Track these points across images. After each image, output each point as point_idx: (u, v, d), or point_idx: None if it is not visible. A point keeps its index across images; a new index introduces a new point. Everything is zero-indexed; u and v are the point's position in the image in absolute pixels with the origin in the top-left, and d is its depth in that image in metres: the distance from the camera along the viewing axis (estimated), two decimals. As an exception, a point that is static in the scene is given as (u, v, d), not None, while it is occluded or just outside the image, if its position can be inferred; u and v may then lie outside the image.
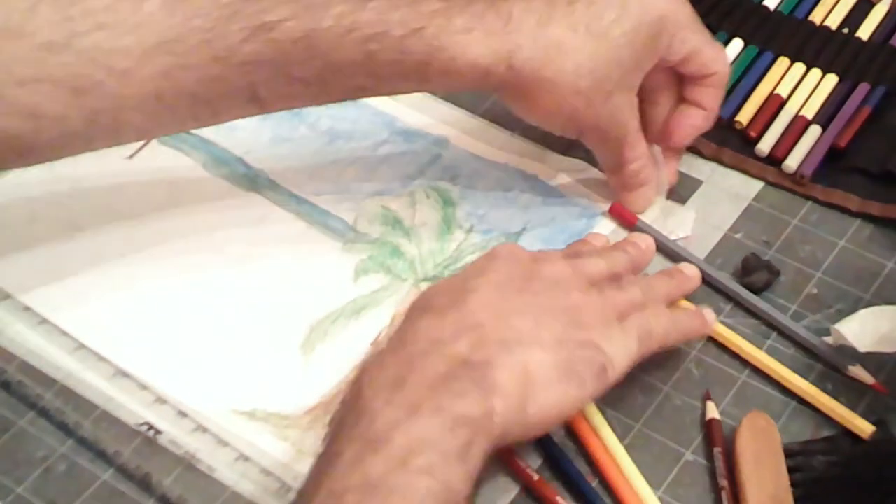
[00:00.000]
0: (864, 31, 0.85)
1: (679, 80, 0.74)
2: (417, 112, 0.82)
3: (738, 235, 0.75)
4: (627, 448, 0.65)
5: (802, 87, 0.82)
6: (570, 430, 0.66)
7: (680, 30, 0.71)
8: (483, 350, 0.59)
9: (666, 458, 0.65)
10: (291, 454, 0.65)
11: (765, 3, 0.87)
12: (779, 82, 0.82)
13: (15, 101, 0.62)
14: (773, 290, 0.72)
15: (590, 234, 0.73)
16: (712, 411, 0.66)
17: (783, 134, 0.79)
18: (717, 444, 0.64)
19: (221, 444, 0.66)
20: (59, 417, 0.67)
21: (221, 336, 0.70)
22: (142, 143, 0.80)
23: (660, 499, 0.63)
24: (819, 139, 0.79)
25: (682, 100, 0.75)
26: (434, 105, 0.82)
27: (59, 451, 0.66)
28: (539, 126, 0.74)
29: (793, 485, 0.62)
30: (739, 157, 0.79)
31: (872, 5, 0.87)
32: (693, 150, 0.79)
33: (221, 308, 0.72)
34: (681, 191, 0.77)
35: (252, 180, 0.78)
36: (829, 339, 0.68)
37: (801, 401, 0.67)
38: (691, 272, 0.70)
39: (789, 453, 0.63)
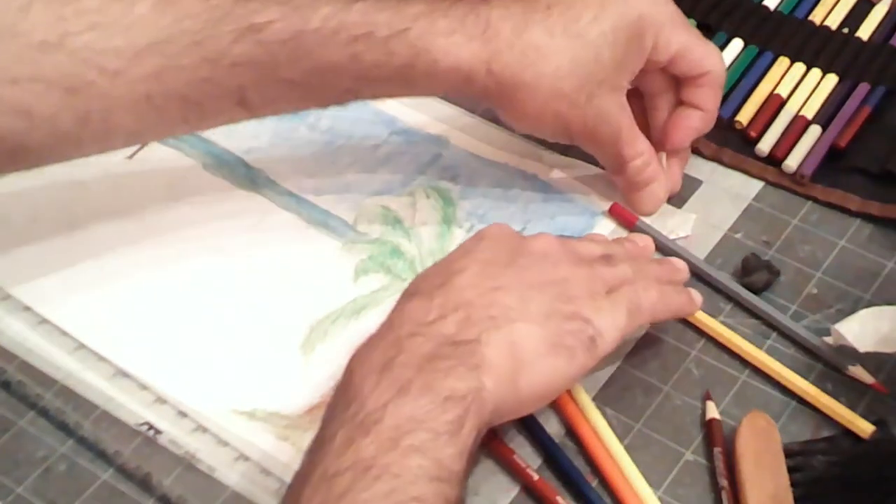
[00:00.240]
0: (864, 31, 0.85)
1: (676, 83, 0.74)
2: (417, 112, 0.82)
3: (738, 235, 0.75)
4: (627, 448, 0.65)
5: (802, 87, 0.82)
6: (570, 430, 0.66)
7: (663, 29, 0.71)
8: (470, 328, 0.59)
9: (666, 458, 0.65)
10: (291, 454, 0.65)
11: (765, 3, 0.87)
12: (779, 82, 0.82)
13: (7, 100, 0.62)
14: (773, 290, 0.72)
15: (589, 234, 0.74)
16: (712, 411, 0.66)
17: (783, 134, 0.79)
18: (717, 444, 0.64)
19: (221, 444, 0.66)
20: (59, 417, 0.67)
21: (221, 336, 0.70)
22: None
23: (660, 499, 0.63)
24: (819, 139, 0.79)
25: (680, 102, 0.75)
26: (434, 105, 0.82)
27: (59, 451, 0.66)
28: (530, 133, 0.75)
29: (793, 485, 0.62)
30: (739, 157, 0.79)
31: (872, 5, 0.87)
32: (693, 150, 0.79)
33: (221, 308, 0.72)
34: (681, 191, 0.77)
35: (252, 180, 0.78)
36: (829, 340, 0.68)
37: (801, 401, 0.67)
38: (680, 265, 0.70)
39: (789, 453, 0.63)
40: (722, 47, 0.84)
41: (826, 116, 0.80)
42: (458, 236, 0.75)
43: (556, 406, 0.67)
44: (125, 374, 0.69)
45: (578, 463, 0.64)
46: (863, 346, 0.66)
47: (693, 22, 0.86)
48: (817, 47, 0.84)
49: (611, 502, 0.63)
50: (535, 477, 0.63)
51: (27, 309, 0.72)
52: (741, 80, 0.83)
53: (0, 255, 0.74)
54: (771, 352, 0.69)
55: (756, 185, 0.78)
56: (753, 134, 0.79)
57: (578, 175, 0.78)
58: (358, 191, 0.78)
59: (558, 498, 0.62)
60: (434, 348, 0.59)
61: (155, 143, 0.80)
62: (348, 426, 0.56)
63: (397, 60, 0.67)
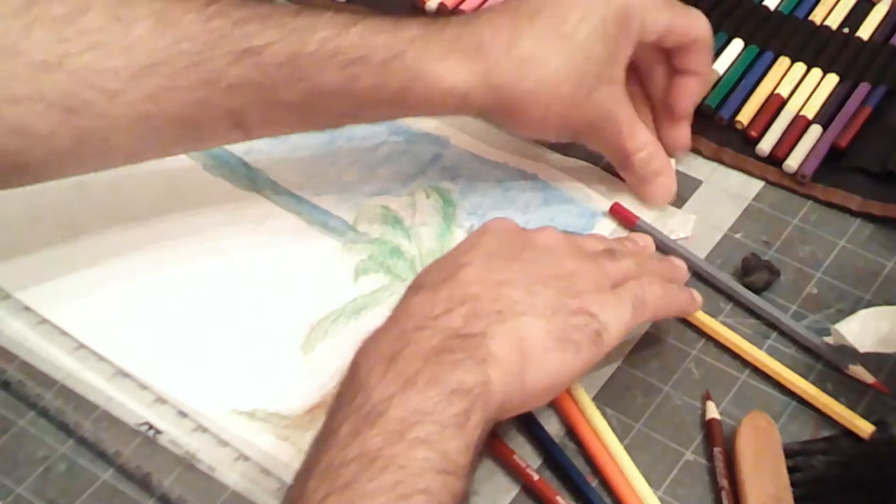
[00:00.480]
0: (865, 31, 0.85)
1: (667, 53, 0.75)
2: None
3: (738, 235, 0.75)
4: (627, 448, 0.65)
5: (803, 87, 0.82)
6: (570, 430, 0.66)
7: (647, 12, 0.72)
8: (477, 322, 0.59)
9: (666, 458, 0.65)
10: (291, 454, 0.65)
11: (765, 3, 0.87)
12: (779, 82, 0.82)
13: (6, 119, 0.63)
14: (773, 290, 0.72)
15: (589, 234, 0.74)
16: (712, 411, 0.66)
17: (784, 134, 0.79)
18: (717, 444, 0.64)
19: (221, 444, 0.66)
20: (59, 417, 0.67)
21: (221, 336, 0.70)
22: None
23: (660, 499, 0.63)
24: (820, 139, 0.79)
25: (675, 71, 0.76)
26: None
27: (59, 451, 0.66)
28: (534, 137, 0.76)
29: (793, 485, 0.62)
30: (740, 157, 0.79)
31: (873, 5, 0.87)
32: (693, 149, 0.79)
33: (221, 308, 0.72)
34: (681, 191, 0.77)
35: (252, 180, 0.78)
36: (829, 340, 0.68)
37: (801, 401, 0.67)
38: (680, 263, 0.70)
39: (789, 453, 0.63)
40: (722, 47, 0.84)
41: (827, 116, 0.80)
42: (458, 236, 0.75)
43: (556, 406, 0.67)
44: (125, 374, 0.69)
45: (578, 463, 0.64)
46: (863, 346, 0.66)
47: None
48: (818, 47, 0.84)
49: (611, 502, 0.63)
50: (535, 477, 0.63)
51: (27, 309, 0.72)
52: (741, 80, 0.83)
53: (0, 256, 0.74)
54: (771, 352, 0.69)
55: (756, 185, 0.78)
56: (754, 134, 0.79)
57: (579, 175, 0.78)
58: (358, 191, 0.78)
59: (558, 498, 0.62)
60: (441, 341, 0.59)
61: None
62: (354, 417, 0.56)
63: (394, 84, 0.68)
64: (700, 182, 0.78)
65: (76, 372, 0.69)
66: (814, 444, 0.64)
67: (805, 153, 0.78)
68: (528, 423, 0.66)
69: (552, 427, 0.66)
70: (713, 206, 0.76)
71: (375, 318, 0.70)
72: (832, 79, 0.82)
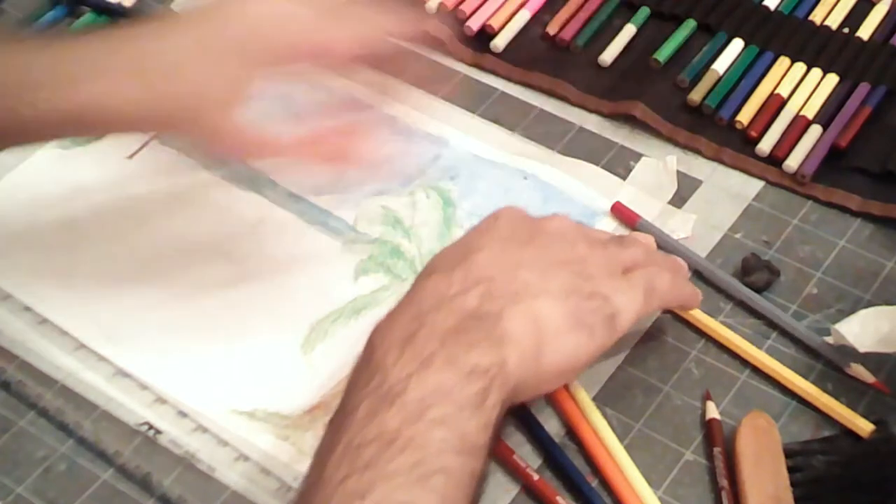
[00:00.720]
0: (865, 31, 0.85)
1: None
2: (417, 112, 0.82)
3: (738, 235, 0.75)
4: (627, 448, 0.65)
5: (803, 87, 0.82)
6: (570, 430, 0.66)
7: (263, 47, 0.68)
8: (492, 302, 0.60)
9: (666, 458, 0.65)
10: (291, 454, 0.65)
11: (765, 3, 0.87)
12: (779, 82, 0.82)
13: None
14: (774, 290, 0.72)
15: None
16: (712, 411, 0.66)
17: (784, 134, 0.79)
18: (717, 444, 0.64)
19: (221, 444, 0.66)
20: (59, 417, 0.67)
21: (221, 336, 0.71)
22: (142, 143, 0.80)
23: (660, 499, 0.63)
24: (820, 139, 0.79)
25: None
26: (434, 105, 0.82)
27: (59, 451, 0.66)
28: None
29: (793, 485, 0.62)
30: (740, 157, 0.79)
31: (873, 5, 0.87)
32: (693, 149, 0.79)
33: (221, 308, 0.72)
34: (681, 191, 0.77)
35: (252, 180, 0.78)
36: (829, 339, 0.68)
37: (801, 401, 0.67)
38: (681, 261, 0.70)
39: (789, 453, 0.63)
40: (722, 47, 0.84)
41: (827, 116, 0.80)
42: (458, 236, 0.74)
43: (556, 406, 0.67)
44: (125, 374, 0.69)
45: (578, 463, 0.64)
46: (863, 346, 0.66)
47: (693, 22, 0.86)
48: (818, 47, 0.84)
49: (611, 502, 0.63)
50: (535, 477, 0.63)
51: (27, 309, 0.72)
52: (741, 80, 0.82)
53: (0, 256, 0.74)
54: (771, 352, 0.69)
55: (756, 185, 0.78)
56: (754, 134, 0.79)
57: (579, 174, 0.78)
58: (358, 191, 0.78)
59: (558, 498, 0.62)
60: (456, 322, 0.59)
61: (155, 143, 0.80)
62: (372, 398, 0.56)
63: (53, 110, 0.65)
64: (700, 182, 0.78)
65: (76, 372, 0.69)
66: (814, 444, 0.64)
67: (805, 153, 0.78)
68: (528, 423, 0.66)
69: (552, 427, 0.66)
70: (713, 206, 0.76)
71: (375, 318, 0.70)
72: (832, 79, 0.82)
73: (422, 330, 0.58)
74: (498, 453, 0.64)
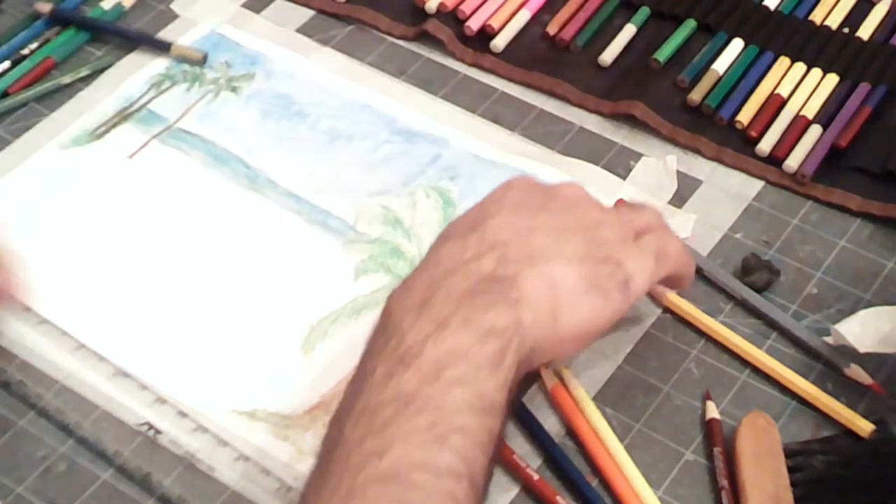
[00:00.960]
0: (865, 31, 0.85)
1: None
2: (417, 112, 0.82)
3: (738, 235, 0.75)
4: (627, 448, 0.65)
5: (803, 87, 0.82)
6: (570, 430, 0.66)
7: None
8: (508, 265, 0.60)
9: (666, 458, 0.65)
10: (291, 454, 0.65)
11: (765, 3, 0.87)
12: (779, 82, 0.82)
13: None
14: (774, 290, 0.72)
15: None
16: (712, 411, 0.66)
17: (784, 134, 0.79)
18: (717, 444, 0.64)
19: (221, 444, 0.66)
20: (59, 417, 0.67)
21: (221, 336, 0.71)
22: (142, 143, 0.80)
23: (660, 499, 0.63)
24: (820, 139, 0.79)
25: None
26: (434, 105, 0.82)
27: (59, 451, 0.66)
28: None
29: (793, 485, 0.62)
30: (740, 157, 0.79)
31: (873, 5, 0.87)
32: (693, 149, 0.79)
33: (221, 308, 0.72)
34: (681, 191, 0.77)
35: (252, 180, 0.78)
36: (829, 340, 0.68)
37: (801, 401, 0.67)
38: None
39: (789, 453, 0.63)
40: (722, 47, 0.84)
41: (827, 116, 0.80)
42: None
43: (556, 406, 0.67)
44: (125, 375, 0.69)
45: (578, 463, 0.64)
46: (863, 346, 0.66)
47: (693, 22, 0.86)
48: (818, 47, 0.84)
49: (611, 502, 0.63)
50: (535, 477, 0.63)
51: (27, 309, 0.72)
52: (741, 80, 0.82)
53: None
54: (771, 352, 0.69)
55: (756, 185, 0.78)
56: (754, 134, 0.79)
57: (579, 174, 0.78)
58: (358, 191, 0.78)
59: (558, 498, 0.62)
60: (472, 284, 0.59)
61: (155, 143, 0.80)
62: (388, 361, 0.57)
63: None
64: (700, 182, 0.78)
65: (76, 372, 0.69)
66: (814, 444, 0.64)
67: (805, 153, 0.78)
68: (528, 423, 0.66)
69: (552, 427, 0.66)
70: (713, 206, 0.76)
71: (375, 317, 0.70)
72: (832, 79, 0.82)
73: (437, 294, 0.59)
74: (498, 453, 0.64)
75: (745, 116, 0.80)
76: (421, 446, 0.54)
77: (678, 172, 0.78)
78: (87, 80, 0.84)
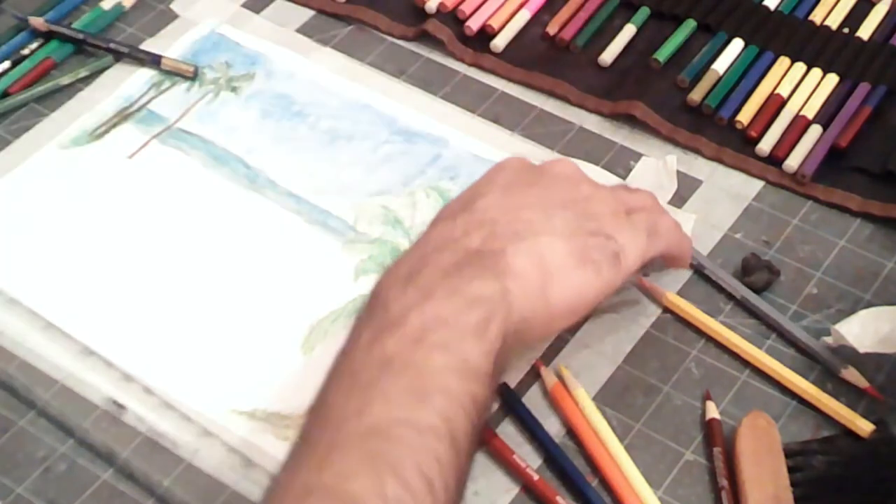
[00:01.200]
0: (865, 31, 0.85)
1: None
2: (417, 112, 0.82)
3: (738, 235, 0.75)
4: (627, 448, 0.65)
5: (803, 87, 0.82)
6: (570, 430, 0.66)
7: None
8: (495, 241, 0.60)
9: (666, 458, 0.65)
10: (291, 454, 0.65)
11: (765, 3, 0.87)
12: (779, 82, 0.82)
13: None
14: (774, 290, 0.72)
15: None
16: (712, 411, 0.66)
17: (784, 134, 0.79)
18: (717, 444, 0.64)
19: (222, 444, 0.66)
20: (59, 417, 0.67)
21: (222, 336, 0.70)
22: (142, 143, 0.80)
23: (660, 499, 0.63)
24: (820, 139, 0.79)
25: None
26: (434, 105, 0.82)
27: (59, 451, 0.66)
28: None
29: (793, 485, 0.62)
30: (740, 157, 0.79)
31: (873, 5, 0.87)
32: (693, 149, 0.79)
33: (222, 308, 0.72)
34: (681, 191, 0.77)
35: (252, 180, 0.78)
36: (829, 340, 0.68)
37: (801, 401, 0.67)
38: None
39: (789, 453, 0.63)
40: (722, 47, 0.84)
41: (827, 116, 0.80)
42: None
43: (556, 406, 0.67)
44: (126, 376, 0.69)
45: (578, 463, 0.64)
46: (863, 346, 0.66)
47: (693, 22, 0.86)
48: (818, 47, 0.84)
49: (611, 502, 0.63)
50: (535, 477, 0.63)
51: (27, 309, 0.72)
52: (741, 80, 0.82)
53: (0, 257, 0.74)
54: (771, 352, 0.69)
55: (756, 185, 0.78)
56: (754, 134, 0.79)
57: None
58: (358, 191, 0.78)
59: (558, 498, 0.62)
60: (459, 259, 0.59)
61: (155, 143, 0.80)
62: (373, 329, 0.57)
63: None
64: (700, 182, 0.78)
65: (76, 372, 0.69)
66: (814, 444, 0.64)
67: (805, 153, 0.78)
68: (528, 423, 0.66)
69: (552, 427, 0.66)
70: (713, 206, 0.76)
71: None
72: (832, 79, 0.82)
73: (425, 268, 0.59)
74: (498, 453, 0.64)
75: (745, 116, 0.80)
76: (402, 404, 0.54)
77: (678, 172, 0.78)
78: (86, 80, 0.84)
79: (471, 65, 0.85)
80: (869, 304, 0.70)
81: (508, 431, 0.66)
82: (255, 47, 0.86)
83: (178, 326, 0.71)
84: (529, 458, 0.64)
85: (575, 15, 0.87)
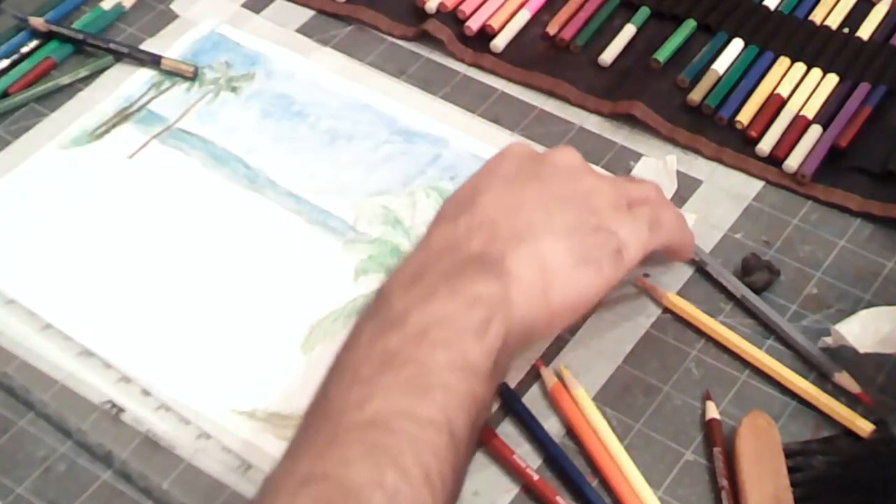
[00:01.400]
0: (865, 31, 0.85)
1: None
2: (417, 112, 0.82)
3: (738, 235, 0.75)
4: (627, 448, 0.65)
5: (803, 87, 0.82)
6: (570, 430, 0.66)
7: None
8: (495, 244, 0.60)
9: (666, 458, 0.65)
10: (291, 454, 0.65)
11: (765, 3, 0.87)
12: (779, 82, 0.82)
13: None
14: (774, 290, 0.72)
15: None
16: (712, 411, 0.66)
17: (784, 134, 0.79)
18: (717, 444, 0.64)
19: (221, 445, 0.66)
20: (59, 417, 0.67)
21: (221, 336, 0.70)
22: (142, 143, 0.80)
23: (660, 499, 0.63)
24: (820, 139, 0.79)
25: None
26: (434, 105, 0.82)
27: (59, 451, 0.66)
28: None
29: (793, 485, 0.62)
30: (740, 157, 0.79)
31: (873, 5, 0.87)
32: (693, 149, 0.79)
33: (221, 308, 0.72)
34: (681, 191, 0.77)
35: (252, 180, 0.78)
36: (829, 340, 0.68)
37: (801, 401, 0.67)
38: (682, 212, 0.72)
39: (789, 453, 0.63)
40: (722, 47, 0.84)
41: (827, 116, 0.80)
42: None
43: (556, 406, 0.67)
44: (126, 376, 0.69)
45: (578, 463, 0.64)
46: (863, 346, 0.66)
47: (693, 22, 0.86)
48: (818, 47, 0.84)
49: (611, 502, 0.63)
50: (535, 477, 0.63)
51: (27, 310, 0.71)
52: (741, 80, 0.82)
53: (0, 257, 0.74)
54: (771, 352, 0.69)
55: (756, 185, 0.78)
56: (754, 134, 0.79)
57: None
58: (358, 191, 0.78)
59: (558, 498, 0.62)
60: (461, 263, 0.60)
61: (155, 143, 0.80)
62: (375, 326, 0.58)
63: None
64: (700, 182, 0.78)
65: (76, 372, 0.69)
66: (814, 444, 0.64)
67: (805, 153, 0.78)
68: (528, 423, 0.66)
69: (552, 427, 0.66)
70: (713, 206, 0.76)
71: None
72: (832, 79, 0.82)
73: (428, 271, 0.60)
74: (498, 453, 0.64)
75: (745, 116, 0.80)
76: (402, 398, 0.54)
77: (678, 172, 0.78)
78: (86, 80, 0.84)
79: (471, 65, 0.85)
80: (869, 305, 0.70)
81: (508, 431, 0.66)
82: (255, 47, 0.86)
83: (178, 327, 0.71)
84: (529, 458, 0.64)
85: (575, 15, 0.87)
